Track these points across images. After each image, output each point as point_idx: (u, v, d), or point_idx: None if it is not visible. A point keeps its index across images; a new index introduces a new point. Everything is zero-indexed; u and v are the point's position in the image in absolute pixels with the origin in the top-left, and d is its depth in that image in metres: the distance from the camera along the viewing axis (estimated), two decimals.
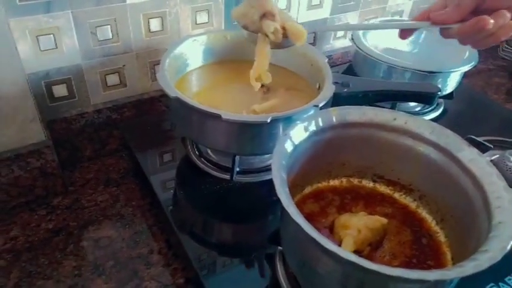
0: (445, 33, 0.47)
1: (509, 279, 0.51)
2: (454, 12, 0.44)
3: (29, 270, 0.55)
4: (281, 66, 0.71)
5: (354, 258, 0.34)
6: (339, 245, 0.45)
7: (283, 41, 0.52)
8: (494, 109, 0.89)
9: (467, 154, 0.45)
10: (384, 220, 0.47)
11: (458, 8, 0.43)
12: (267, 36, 0.52)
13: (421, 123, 0.49)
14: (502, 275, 0.52)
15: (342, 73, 0.86)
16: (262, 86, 0.66)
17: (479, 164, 0.44)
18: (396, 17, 0.98)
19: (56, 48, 0.63)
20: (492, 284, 0.51)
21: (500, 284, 0.51)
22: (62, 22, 0.61)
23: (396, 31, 0.86)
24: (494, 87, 1.03)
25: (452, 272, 0.34)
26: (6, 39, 0.52)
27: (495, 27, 0.42)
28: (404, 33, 0.52)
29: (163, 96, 0.75)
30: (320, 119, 0.49)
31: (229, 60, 0.70)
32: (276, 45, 0.54)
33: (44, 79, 0.64)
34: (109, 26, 0.65)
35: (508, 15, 0.42)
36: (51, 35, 0.61)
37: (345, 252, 0.34)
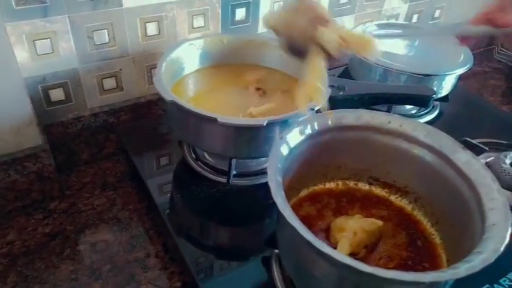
0: (507, 39, 0.44)
1: (504, 281, 0.51)
2: None
3: (26, 275, 0.55)
4: (277, 69, 0.71)
5: (349, 261, 0.34)
6: (335, 248, 0.45)
7: (343, 53, 0.44)
8: (490, 111, 0.89)
9: (462, 157, 0.46)
10: (379, 223, 0.48)
11: None
12: (322, 48, 0.44)
13: (416, 126, 0.50)
14: (497, 276, 0.52)
15: (338, 76, 0.87)
16: (259, 89, 0.67)
17: (474, 166, 0.45)
18: (392, 21, 0.99)
19: (53, 52, 0.63)
20: (487, 286, 0.51)
21: (495, 285, 0.51)
22: (59, 26, 0.61)
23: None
24: (490, 89, 1.04)
25: (446, 274, 0.35)
26: (3, 44, 0.52)
27: None
28: (465, 40, 0.48)
29: (160, 100, 0.75)
30: (315, 123, 0.49)
31: (225, 64, 0.71)
32: (332, 59, 0.45)
33: (41, 83, 0.64)
34: (105, 30, 0.65)
35: None
36: (48, 39, 0.61)
37: (341, 255, 0.35)
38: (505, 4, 0.42)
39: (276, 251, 0.51)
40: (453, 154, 0.46)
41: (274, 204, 0.40)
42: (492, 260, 0.34)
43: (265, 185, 0.63)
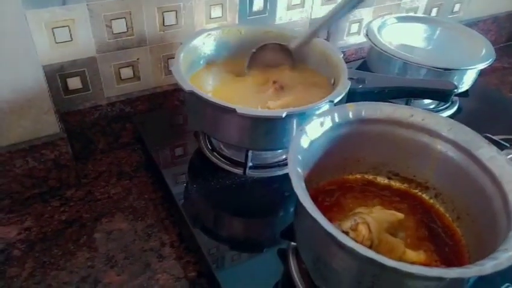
0: None
1: None
2: None
3: (43, 261, 0.55)
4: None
5: (372, 254, 0.33)
6: (353, 239, 0.44)
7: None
8: (510, 108, 0.87)
9: (486, 152, 0.45)
10: (400, 215, 0.47)
11: None
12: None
13: (439, 120, 0.49)
14: None
15: (356, 69, 0.86)
16: (275, 82, 0.66)
17: (499, 162, 0.44)
18: (411, 14, 0.97)
19: (71, 40, 0.63)
20: (508, 284, 0.50)
21: None
22: (78, 14, 0.61)
23: (412, 26, 0.86)
24: (509, 85, 1.02)
25: (472, 271, 0.34)
26: (23, 31, 0.52)
27: None
28: None
29: (177, 90, 0.74)
30: (336, 115, 0.49)
31: (243, 56, 0.70)
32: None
33: (59, 71, 0.64)
34: (123, 19, 0.65)
35: None
36: (67, 27, 0.61)
37: (364, 249, 0.34)
38: None
39: (293, 243, 0.51)
40: (477, 149, 0.45)
41: (291, 196, 0.39)
42: None
43: (281, 177, 0.62)
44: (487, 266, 0.33)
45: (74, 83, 0.67)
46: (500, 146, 0.65)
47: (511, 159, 0.63)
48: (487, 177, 0.44)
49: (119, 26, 0.65)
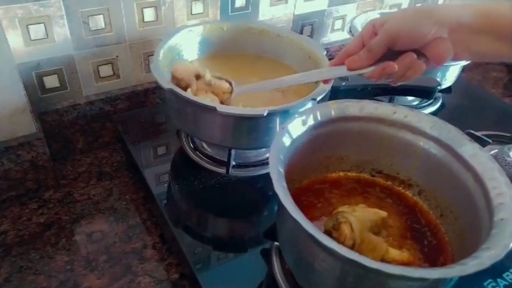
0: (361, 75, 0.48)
1: (508, 275, 0.51)
2: (366, 59, 0.45)
3: (20, 265, 0.53)
4: (276, 61, 0.69)
5: (355, 256, 0.33)
6: (335, 238, 0.43)
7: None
8: (493, 103, 0.88)
9: (469, 149, 0.45)
10: (383, 213, 0.46)
11: (369, 54, 0.45)
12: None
13: (422, 117, 0.49)
14: (500, 271, 0.51)
15: None
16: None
17: (481, 159, 0.43)
18: (395, 10, 0.97)
19: (47, 37, 0.61)
20: (490, 280, 0.50)
21: (498, 280, 0.50)
22: (53, 11, 0.59)
23: None
24: (492, 81, 1.03)
25: (454, 271, 0.34)
26: None
27: (403, 69, 0.44)
28: (326, 80, 0.52)
29: (157, 88, 0.73)
30: (318, 113, 0.48)
31: (225, 54, 0.69)
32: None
33: (35, 69, 0.62)
34: (101, 16, 0.63)
35: (415, 56, 0.44)
36: (42, 24, 0.59)
37: (346, 250, 0.33)
38: (357, 47, 0.46)
39: (276, 243, 0.50)
40: (460, 147, 0.45)
41: (274, 195, 0.38)
42: (501, 256, 0.33)
43: (265, 176, 0.62)
44: (469, 266, 0.33)
45: (51, 81, 0.65)
46: (482, 142, 0.65)
47: (493, 156, 0.64)
48: (469, 174, 0.44)
49: (97, 22, 0.63)
